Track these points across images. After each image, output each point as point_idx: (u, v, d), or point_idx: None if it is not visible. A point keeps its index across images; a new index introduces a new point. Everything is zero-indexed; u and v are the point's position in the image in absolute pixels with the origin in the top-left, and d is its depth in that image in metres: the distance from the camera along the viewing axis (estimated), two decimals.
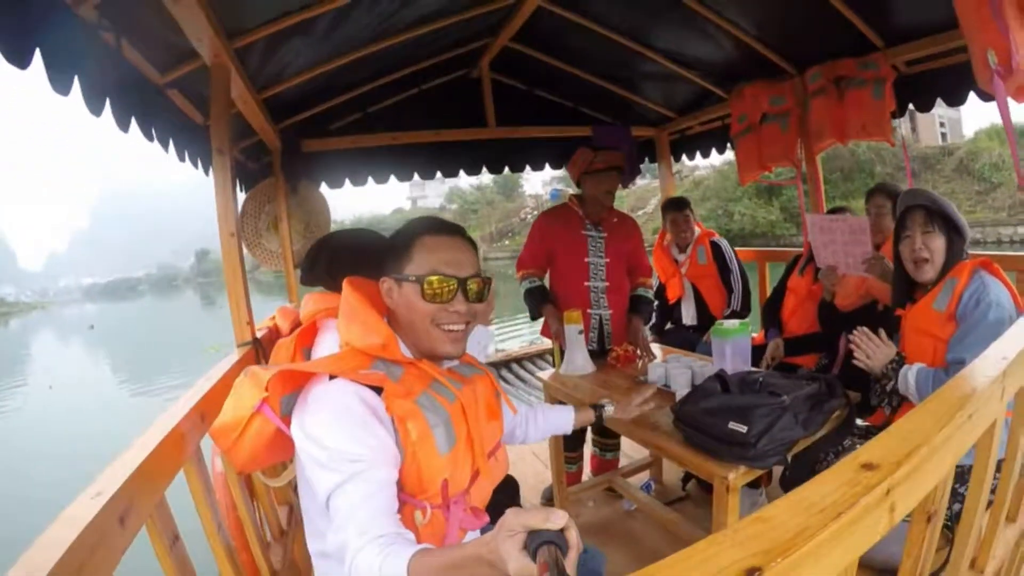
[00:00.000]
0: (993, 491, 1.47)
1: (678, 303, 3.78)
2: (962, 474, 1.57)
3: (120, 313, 46.43)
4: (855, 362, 1.96)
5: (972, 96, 2.70)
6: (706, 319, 3.62)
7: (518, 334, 12.00)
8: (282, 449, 1.26)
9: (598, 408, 1.86)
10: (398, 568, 0.92)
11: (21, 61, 1.29)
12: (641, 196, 28.44)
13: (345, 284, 1.30)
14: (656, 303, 3.67)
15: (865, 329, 1.96)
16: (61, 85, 1.47)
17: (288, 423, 1.19)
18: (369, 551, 0.97)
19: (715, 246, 3.64)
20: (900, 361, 1.89)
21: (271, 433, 1.21)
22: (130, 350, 20.94)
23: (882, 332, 1.95)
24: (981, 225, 18.03)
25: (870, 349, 1.91)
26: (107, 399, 11.96)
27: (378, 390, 1.16)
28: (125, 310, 49.38)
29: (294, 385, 1.20)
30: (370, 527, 1.01)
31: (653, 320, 3.74)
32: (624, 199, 25.68)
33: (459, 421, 1.25)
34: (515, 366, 6.58)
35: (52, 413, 11.44)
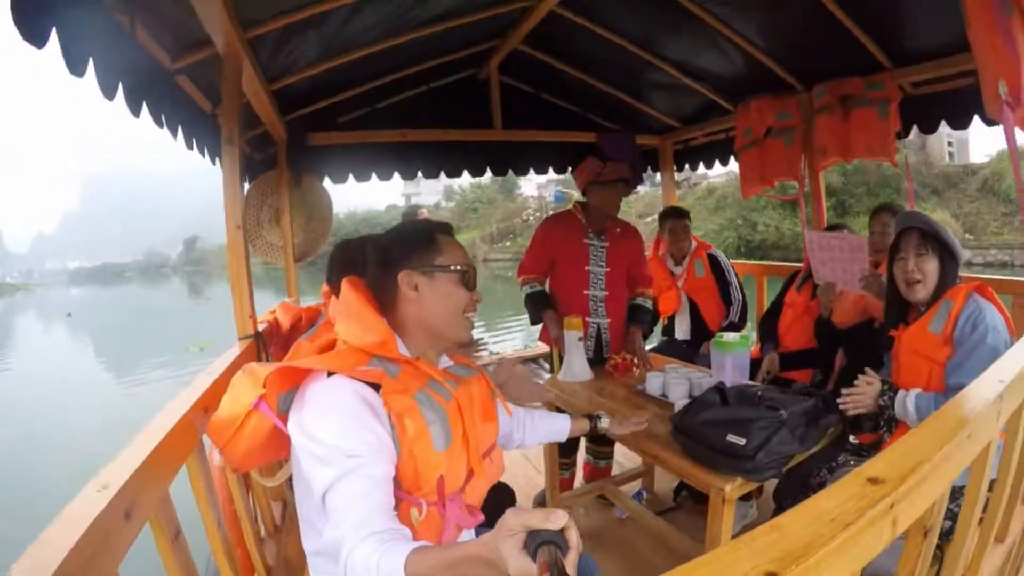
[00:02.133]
0: (984, 510, 1.50)
1: (671, 318, 3.73)
2: (953, 493, 1.58)
3: (103, 300, 45.59)
4: (851, 412, 1.93)
5: (976, 120, 2.74)
6: (701, 333, 3.61)
7: (511, 337, 12.00)
8: (278, 447, 1.27)
9: (594, 418, 1.89)
10: (395, 564, 0.92)
11: (38, 40, 1.27)
12: (650, 203, 28.25)
13: (344, 283, 1.31)
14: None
15: (845, 392, 1.93)
16: (76, 66, 1.44)
17: (285, 420, 1.20)
18: (365, 547, 0.97)
19: (712, 259, 3.62)
20: (892, 389, 1.88)
21: (268, 430, 1.22)
22: (107, 343, 19.86)
23: (864, 373, 1.93)
24: (1010, 247, 17.66)
25: (859, 399, 1.90)
26: (75, 400, 11.19)
27: (376, 387, 1.18)
28: (109, 296, 48.61)
29: (292, 382, 1.21)
30: (367, 523, 1.02)
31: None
32: (632, 204, 25.32)
33: (455, 419, 1.27)
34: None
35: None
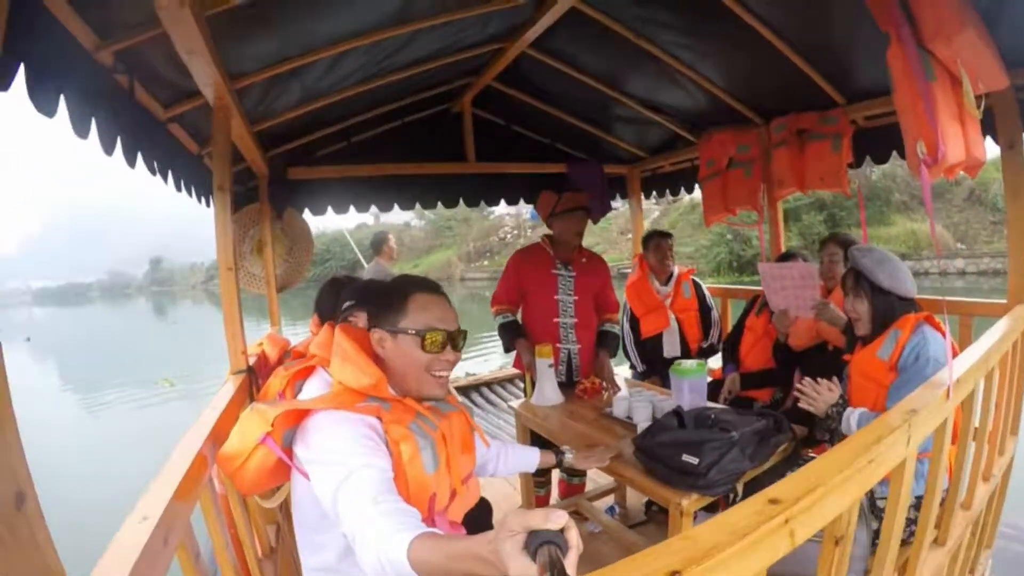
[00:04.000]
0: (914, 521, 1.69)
1: (655, 338, 3.70)
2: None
3: (66, 321, 43.86)
4: (800, 405, 2.16)
5: None
6: (684, 353, 3.68)
7: (485, 358, 12.07)
8: (280, 475, 1.44)
9: (559, 454, 2.07)
10: (400, 548, 1.01)
11: (49, 110, 1.41)
12: (631, 218, 28.34)
13: (337, 330, 1.49)
14: (629, 330, 3.73)
15: (809, 380, 2.15)
16: (81, 129, 1.58)
17: (288, 453, 1.36)
18: (375, 528, 1.08)
19: (695, 283, 3.79)
20: (843, 404, 2.07)
21: (273, 462, 1.38)
22: (71, 372, 17.81)
23: (832, 379, 2.13)
24: (1003, 255, 17.49)
25: (814, 396, 2.10)
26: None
27: (376, 419, 1.36)
28: (72, 317, 47.03)
29: (295, 420, 1.36)
30: (376, 503, 1.14)
31: (635, 358, 3.76)
32: (612, 221, 25.08)
33: (441, 447, 1.45)
34: (485, 390, 6.73)
35: None
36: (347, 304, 1.93)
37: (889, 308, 2.09)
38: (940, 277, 18.09)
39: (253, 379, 2.23)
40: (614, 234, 24.25)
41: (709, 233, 22.18)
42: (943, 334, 2.01)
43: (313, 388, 1.51)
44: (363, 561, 1.09)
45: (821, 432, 2.20)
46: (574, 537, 0.79)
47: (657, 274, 3.73)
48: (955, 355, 1.94)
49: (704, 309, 3.75)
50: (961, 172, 2.03)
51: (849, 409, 2.04)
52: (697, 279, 3.85)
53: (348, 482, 1.19)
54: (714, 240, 22.11)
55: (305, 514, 1.41)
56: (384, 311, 1.47)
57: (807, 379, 2.16)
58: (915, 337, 1.98)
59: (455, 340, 1.49)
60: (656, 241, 3.72)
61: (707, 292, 3.82)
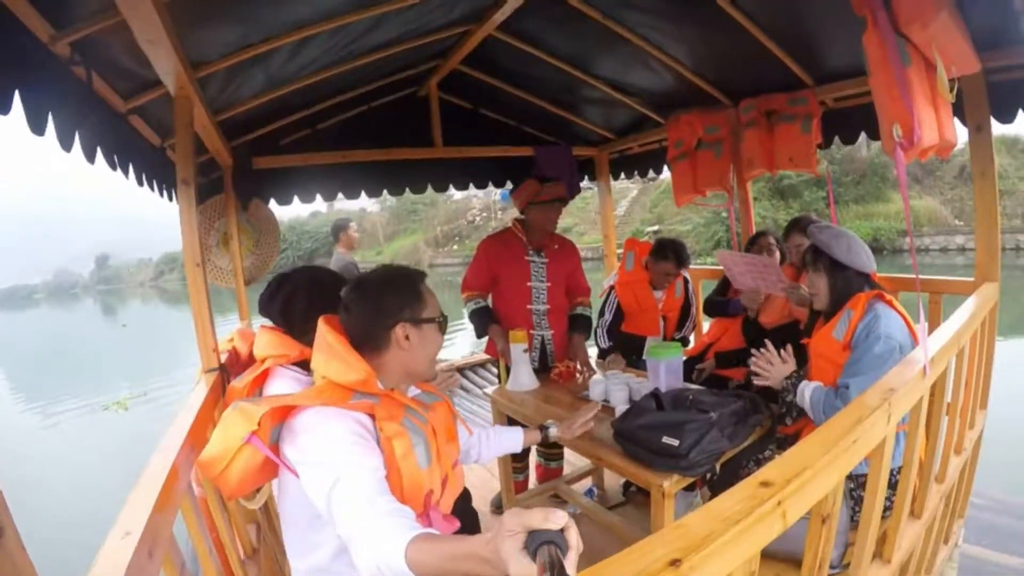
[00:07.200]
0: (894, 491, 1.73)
1: (639, 338, 3.51)
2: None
3: (10, 328, 40.60)
4: (756, 382, 2.17)
5: None
6: None
7: (453, 344, 12.03)
8: (267, 474, 1.40)
9: (543, 429, 2.04)
10: (397, 549, 1.00)
11: (3, 106, 1.35)
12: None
13: (321, 322, 1.44)
14: (609, 321, 3.55)
15: (766, 350, 2.17)
16: (37, 126, 1.50)
17: (275, 450, 1.33)
18: (372, 531, 1.08)
19: (685, 280, 3.63)
20: (800, 376, 2.10)
21: (259, 462, 1.34)
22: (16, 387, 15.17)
23: (786, 350, 2.16)
24: (1001, 232, 18.03)
25: (766, 367, 2.13)
26: None
27: (367, 415, 1.34)
28: (16, 323, 44.16)
29: (282, 416, 1.33)
30: (376, 499, 1.14)
31: (603, 339, 3.56)
32: (589, 202, 24.62)
33: (432, 440, 1.44)
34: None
35: None
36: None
37: (846, 282, 2.12)
38: (941, 253, 18.09)
39: (226, 377, 2.18)
40: (592, 215, 23.97)
41: (704, 211, 21.07)
42: (897, 311, 2.04)
43: (277, 390, 1.49)
44: (359, 564, 1.08)
45: (780, 407, 2.21)
46: (574, 537, 0.79)
47: (655, 286, 3.50)
48: (911, 333, 2.00)
49: (686, 306, 3.64)
50: (933, 154, 2.06)
51: (804, 382, 2.06)
52: (687, 275, 3.66)
53: (341, 484, 1.17)
54: (709, 219, 21.19)
55: (296, 513, 1.39)
56: (406, 304, 1.46)
57: (760, 351, 2.17)
58: (867, 316, 2.01)
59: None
60: (664, 266, 3.37)
61: (692, 288, 3.69)
